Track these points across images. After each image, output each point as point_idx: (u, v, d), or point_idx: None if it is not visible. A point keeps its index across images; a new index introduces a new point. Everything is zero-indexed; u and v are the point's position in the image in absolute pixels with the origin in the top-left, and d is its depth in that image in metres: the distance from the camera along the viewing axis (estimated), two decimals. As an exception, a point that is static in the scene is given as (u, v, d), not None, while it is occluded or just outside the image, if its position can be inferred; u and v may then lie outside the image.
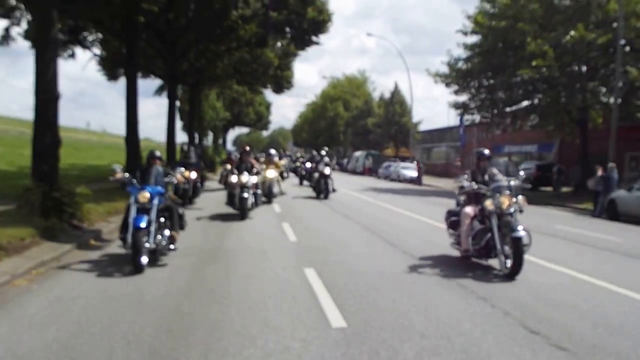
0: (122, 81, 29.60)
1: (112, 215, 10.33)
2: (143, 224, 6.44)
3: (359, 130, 62.36)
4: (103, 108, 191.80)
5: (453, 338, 4.28)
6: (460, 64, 28.12)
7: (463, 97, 29.07)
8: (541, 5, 24.98)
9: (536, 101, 27.42)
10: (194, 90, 30.80)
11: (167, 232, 7.10)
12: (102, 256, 7.33)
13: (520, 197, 7.34)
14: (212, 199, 15.93)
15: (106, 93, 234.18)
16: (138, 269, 6.31)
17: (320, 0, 21.23)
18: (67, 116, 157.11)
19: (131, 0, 15.63)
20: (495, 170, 7.76)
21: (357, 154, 54.75)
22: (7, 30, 18.15)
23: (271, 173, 15.99)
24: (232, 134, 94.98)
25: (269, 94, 55.16)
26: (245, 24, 21.20)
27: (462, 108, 29.40)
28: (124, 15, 15.77)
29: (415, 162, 39.46)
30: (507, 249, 6.83)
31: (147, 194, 6.77)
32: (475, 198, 7.50)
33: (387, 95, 59.38)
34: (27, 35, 20.03)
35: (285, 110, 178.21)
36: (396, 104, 55.14)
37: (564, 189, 25.99)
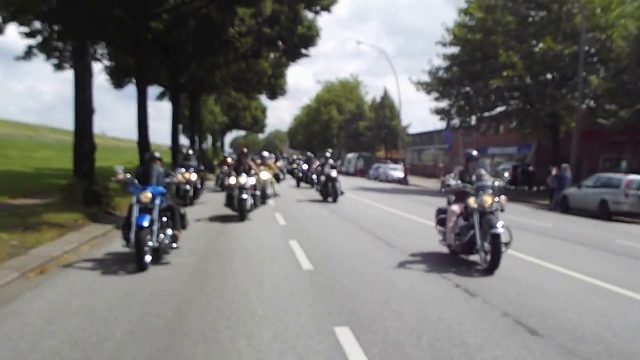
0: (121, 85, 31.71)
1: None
2: (146, 223, 6.57)
3: (351, 133, 64.68)
4: (102, 112, 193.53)
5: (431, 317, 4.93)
6: (440, 73, 30.50)
7: (444, 104, 31.48)
8: (516, 18, 27.31)
9: (510, 107, 29.88)
10: (194, 97, 33.06)
11: (169, 231, 7.26)
12: (106, 254, 7.53)
13: (502, 196, 7.70)
14: (212, 201, 16.30)
15: (104, 95, 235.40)
16: (142, 267, 6.44)
17: (308, 19, 23.51)
18: (68, 119, 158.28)
19: (141, 21, 17.85)
20: (482, 171, 8.05)
21: (350, 156, 57.13)
22: (30, 47, 20.39)
23: (264, 175, 16.20)
24: (230, 136, 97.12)
25: (264, 98, 57.47)
26: (241, 37, 23.46)
27: (443, 114, 31.74)
28: (135, 34, 17.97)
29: (402, 164, 41.85)
30: (487, 245, 7.17)
31: (149, 194, 6.91)
32: (462, 197, 7.82)
33: (379, 98, 61.80)
34: (42, 48, 22.33)
35: (281, 113, 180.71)
36: (386, 108, 57.51)
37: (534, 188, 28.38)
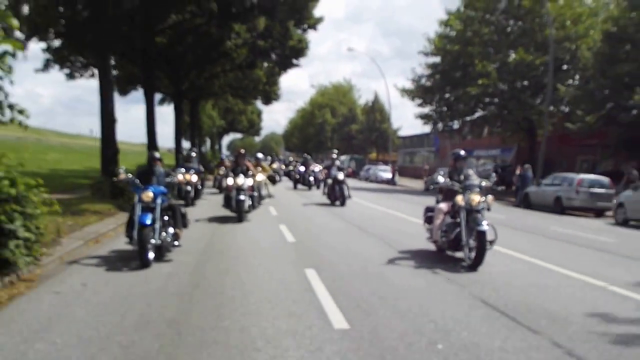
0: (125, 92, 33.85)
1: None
2: (148, 221, 6.77)
3: (344, 136, 67.09)
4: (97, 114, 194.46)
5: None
6: (423, 81, 32.91)
7: (427, 109, 33.88)
8: (493, 28, 29.68)
9: (488, 112, 32.28)
10: (194, 103, 35.35)
11: (171, 230, 7.46)
12: (111, 252, 7.83)
13: (489, 196, 7.88)
14: (212, 201, 16.69)
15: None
16: (145, 263, 6.65)
17: (299, 34, 25.90)
18: (67, 123, 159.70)
19: (148, 36, 20.11)
20: (471, 171, 8.28)
21: (342, 158, 59.56)
22: (47, 60, 22.62)
23: (259, 176, 16.07)
24: (227, 139, 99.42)
25: (259, 103, 59.80)
26: (237, 49, 25.75)
27: (426, 118, 34.12)
28: (142, 48, 20.22)
29: (390, 165, 44.33)
30: (472, 242, 7.38)
31: (150, 194, 7.11)
32: (450, 195, 8.01)
33: (370, 102, 64.25)
34: (56, 60, 24.54)
35: (277, 115, 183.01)
36: (376, 112, 59.98)
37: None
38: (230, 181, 12.29)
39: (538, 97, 29.17)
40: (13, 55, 5.05)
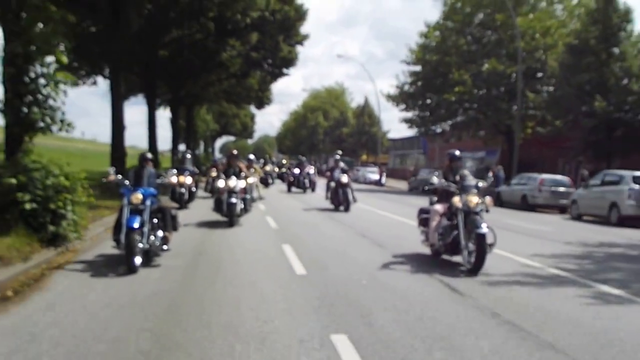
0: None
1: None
2: (136, 224, 6.59)
3: (335, 139, 69.10)
4: (88, 116, 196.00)
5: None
6: (406, 87, 35.01)
7: (410, 114, 35.95)
8: (470, 39, 31.84)
9: (467, 117, 34.38)
10: (190, 109, 37.23)
11: (160, 233, 7.26)
12: (97, 257, 7.60)
13: (487, 197, 7.74)
14: (206, 205, 16.39)
15: (90, 100, 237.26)
16: (132, 269, 6.43)
17: (288, 48, 27.94)
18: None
19: (152, 51, 21.97)
20: (466, 172, 8.03)
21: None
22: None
23: (250, 179, 15.41)
24: (220, 142, 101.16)
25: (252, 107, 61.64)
26: (232, 59, 27.64)
27: (410, 123, 36.18)
28: (146, 61, 22.08)
29: (377, 167, 46.44)
30: (471, 245, 7.12)
31: (139, 195, 6.95)
32: (445, 196, 7.78)
33: (361, 106, 66.40)
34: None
35: (271, 117, 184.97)
36: (365, 116, 62.13)
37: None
38: (221, 183, 11.85)
39: (513, 103, 31.24)
40: (65, 83, 6.85)
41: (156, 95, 23.40)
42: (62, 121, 7.57)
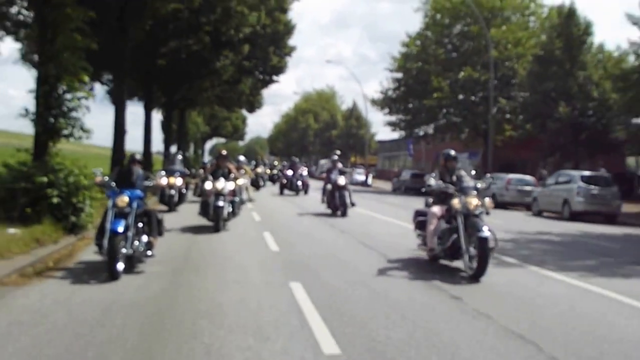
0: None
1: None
2: (120, 229, 6.39)
3: (325, 141, 70.98)
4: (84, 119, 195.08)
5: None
6: (390, 93, 37.01)
7: (394, 118, 37.97)
8: (448, 48, 33.89)
9: (447, 121, 36.39)
10: (182, 112, 38.89)
11: (145, 238, 7.05)
12: (78, 263, 7.41)
13: (487, 199, 7.62)
14: (196, 208, 15.22)
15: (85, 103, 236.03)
16: (114, 275, 6.26)
17: (278, 58, 29.92)
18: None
19: (151, 59, 23.55)
20: (462, 172, 7.82)
21: (322, 162, 63.34)
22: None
23: (240, 180, 14.75)
24: (210, 143, 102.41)
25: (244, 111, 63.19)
26: (225, 67, 29.30)
27: (393, 126, 38.15)
28: (146, 70, 23.67)
29: (363, 169, 48.41)
30: (472, 249, 6.84)
31: (125, 198, 6.73)
32: (442, 198, 7.53)
33: (349, 109, 68.42)
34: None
35: (263, 119, 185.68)
36: (353, 118, 64.13)
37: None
38: (209, 185, 11.21)
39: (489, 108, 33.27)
40: (86, 99, 8.59)
41: (153, 101, 25.10)
42: (82, 129, 9.31)
